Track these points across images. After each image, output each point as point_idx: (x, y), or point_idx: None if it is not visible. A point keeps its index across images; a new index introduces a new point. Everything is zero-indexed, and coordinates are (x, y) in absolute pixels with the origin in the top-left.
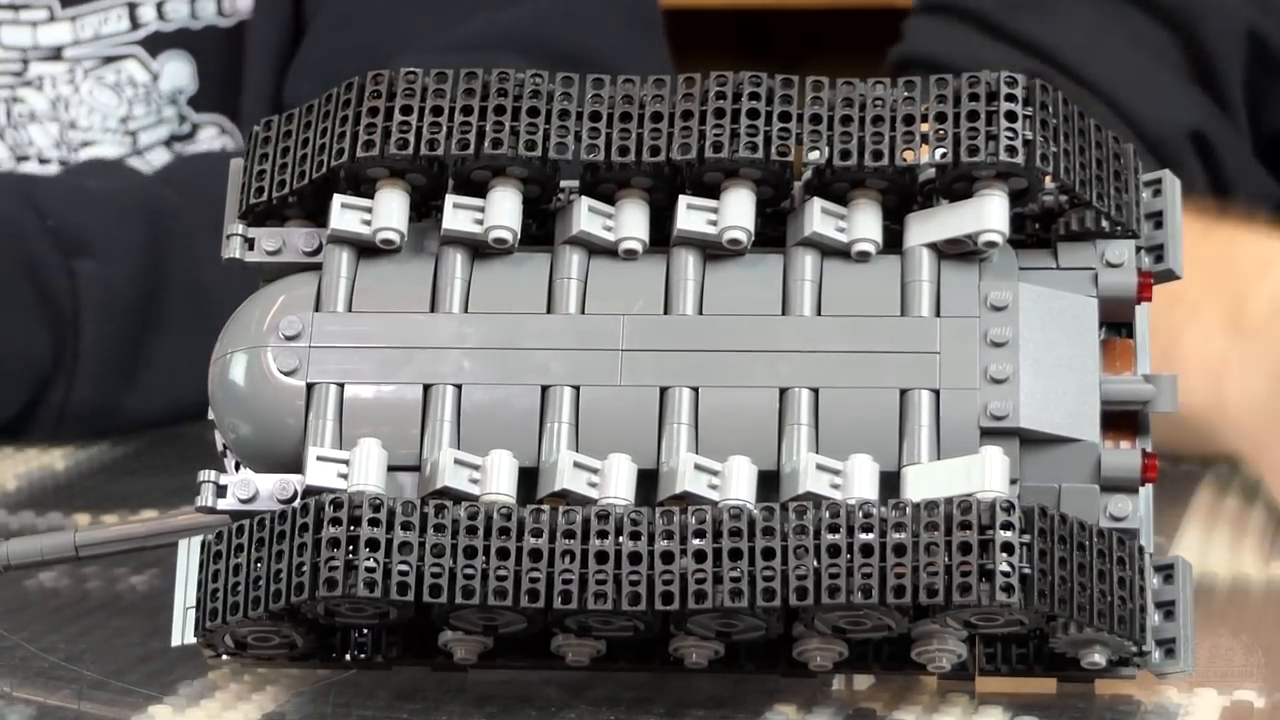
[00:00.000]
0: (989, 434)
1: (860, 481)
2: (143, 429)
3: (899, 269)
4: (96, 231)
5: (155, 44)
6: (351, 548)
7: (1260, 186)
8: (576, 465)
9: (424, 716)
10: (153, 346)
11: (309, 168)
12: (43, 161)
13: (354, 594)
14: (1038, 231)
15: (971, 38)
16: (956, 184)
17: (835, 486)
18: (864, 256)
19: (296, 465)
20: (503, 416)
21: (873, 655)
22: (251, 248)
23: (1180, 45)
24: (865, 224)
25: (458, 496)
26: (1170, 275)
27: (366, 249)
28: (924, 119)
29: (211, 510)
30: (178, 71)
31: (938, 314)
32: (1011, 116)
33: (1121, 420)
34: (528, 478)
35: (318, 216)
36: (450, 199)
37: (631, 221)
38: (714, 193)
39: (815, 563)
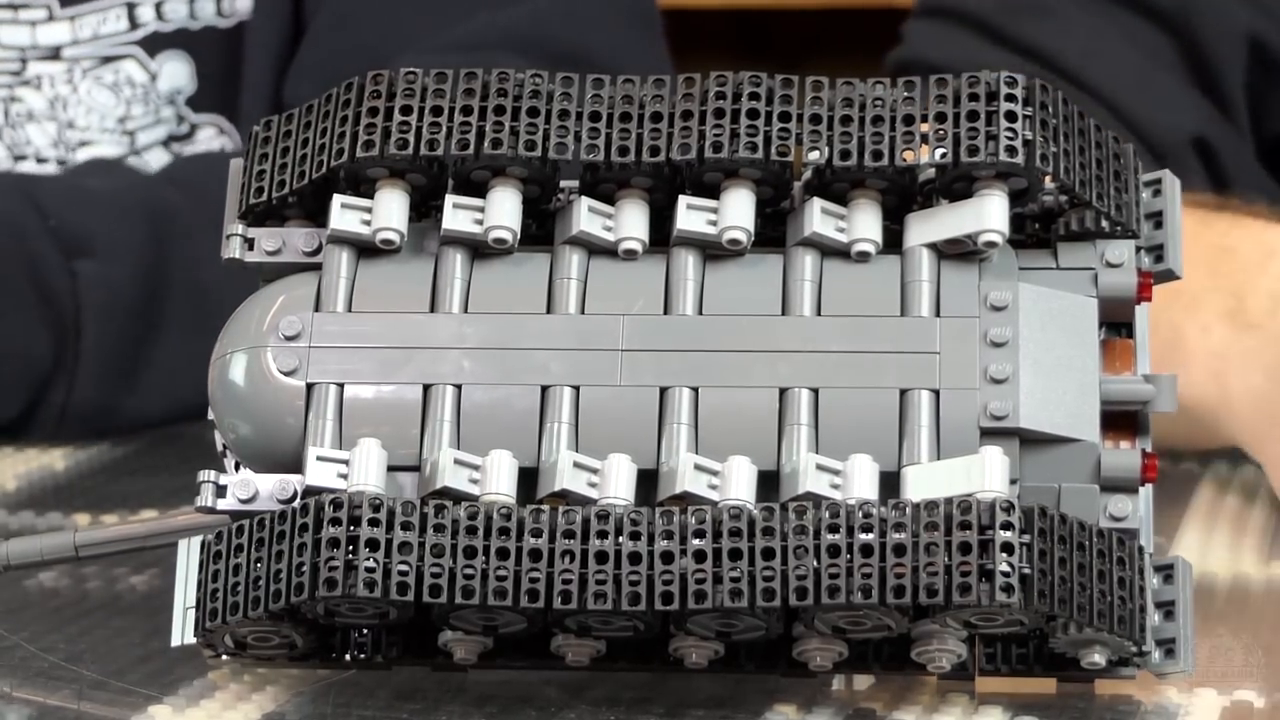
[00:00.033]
0: (989, 434)
1: (860, 481)
2: (143, 429)
3: (899, 269)
4: (98, 231)
5: (153, 44)
6: (351, 548)
7: (1263, 190)
8: (576, 465)
9: (424, 716)
10: (153, 347)
11: (309, 168)
12: (40, 161)
13: (354, 594)
14: (1038, 231)
15: (971, 42)
16: (956, 184)
17: (835, 486)
18: (864, 256)
19: (296, 465)
20: (503, 416)
21: (873, 655)
22: (251, 248)
23: (1180, 50)
24: (865, 224)
25: (458, 496)
26: (1170, 275)
27: (366, 249)
28: (924, 119)
29: (211, 510)
30: (176, 72)
31: (938, 314)
32: (1011, 116)
33: (1121, 420)
34: (528, 478)
35: (318, 216)
36: (450, 199)
37: (631, 221)
38: (714, 193)
39: (815, 563)
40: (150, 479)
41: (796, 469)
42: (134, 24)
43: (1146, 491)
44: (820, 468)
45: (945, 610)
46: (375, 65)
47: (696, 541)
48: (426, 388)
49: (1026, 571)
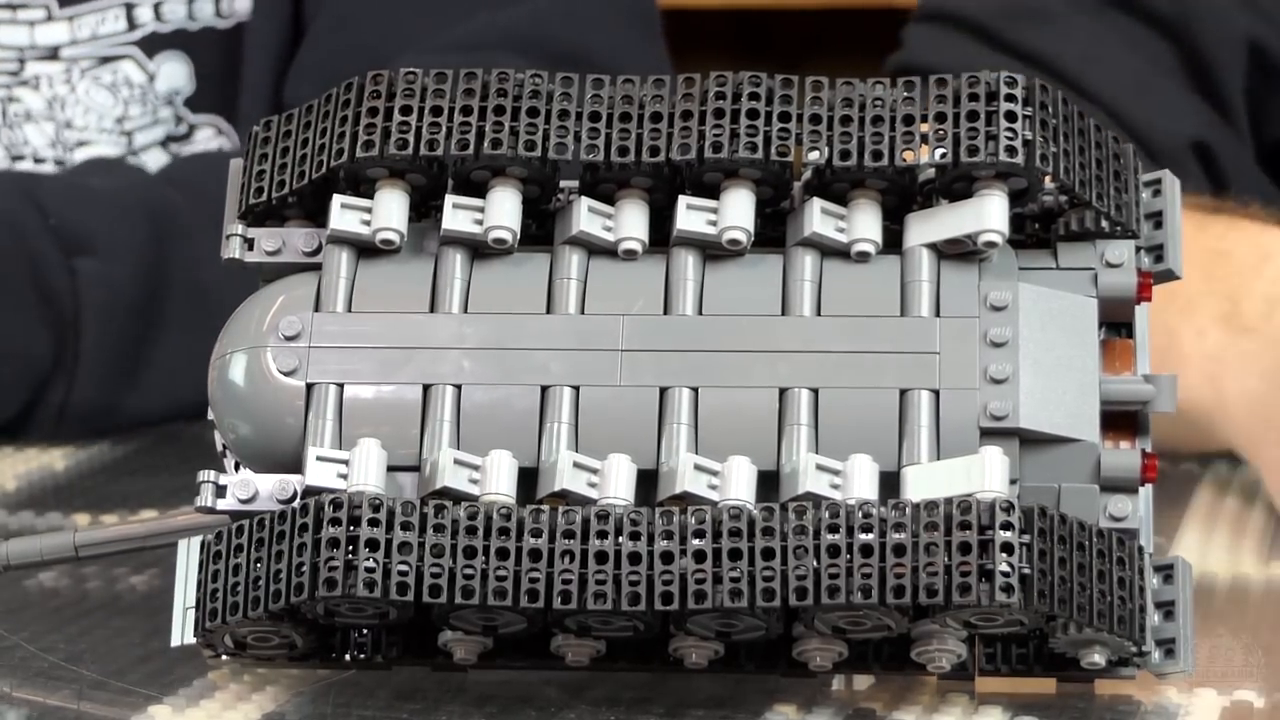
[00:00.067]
0: (989, 434)
1: (860, 482)
2: (143, 428)
3: (899, 269)
4: (98, 230)
5: (151, 45)
6: (351, 548)
7: (1264, 195)
8: (576, 465)
9: (424, 716)
10: (153, 346)
11: (309, 168)
12: (38, 161)
13: (354, 594)
14: (1037, 231)
15: (970, 47)
16: (956, 184)
17: (835, 487)
18: (864, 257)
19: (296, 465)
20: (502, 416)
21: (872, 655)
22: (251, 248)
23: (1180, 54)
24: (865, 224)
25: (457, 497)
26: (1170, 275)
27: (366, 249)
28: (924, 119)
29: (211, 510)
30: (174, 72)
31: (937, 314)
32: (1011, 116)
33: (1121, 420)
34: (527, 478)
35: (317, 216)
36: (450, 199)
37: (631, 222)
38: (714, 193)
39: (815, 563)
40: (150, 479)
41: (796, 469)
42: (132, 24)
43: (1146, 492)
44: (820, 468)
45: (945, 610)
46: (375, 66)
47: (696, 541)
48: (426, 388)
49: (1026, 571)
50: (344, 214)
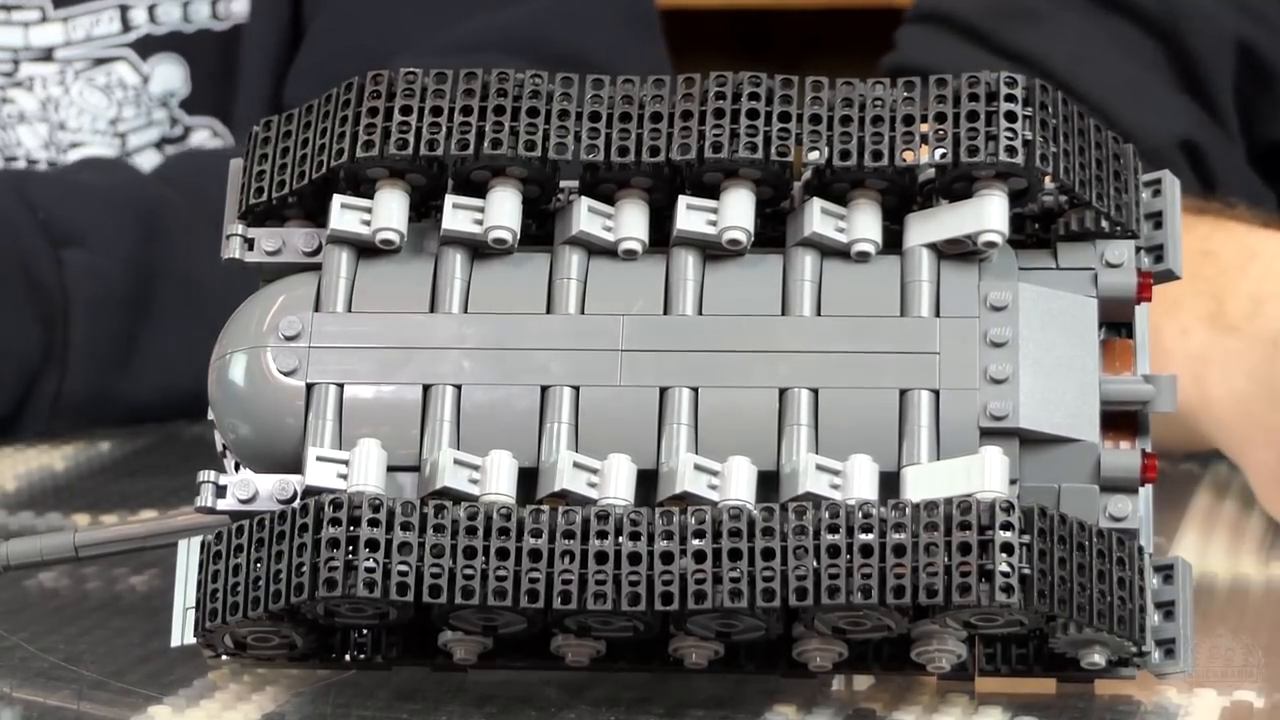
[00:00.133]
0: (989, 434)
1: (860, 482)
2: (139, 418)
3: (899, 269)
4: (87, 223)
5: (146, 47)
6: (351, 548)
7: (1253, 195)
8: (576, 465)
9: (424, 717)
10: (145, 335)
11: (309, 168)
12: (31, 163)
13: (353, 594)
14: (1037, 232)
15: (961, 48)
16: (956, 184)
17: (835, 487)
18: (864, 257)
19: (296, 465)
20: (502, 417)
21: (872, 656)
22: (251, 248)
23: (1168, 54)
24: (865, 224)
25: (457, 497)
26: (1170, 275)
27: (366, 249)
28: (924, 119)
29: (211, 510)
30: (169, 74)
31: (937, 314)
32: (1011, 117)
33: (1121, 420)
34: (527, 478)
35: (317, 217)
36: (450, 199)
37: (631, 222)
38: (714, 193)
39: (815, 563)
40: (150, 479)
41: (796, 469)
42: (126, 26)
43: (1146, 492)
44: (820, 468)
45: (945, 610)
46: (374, 67)
47: (696, 542)
48: (426, 388)
49: (1026, 572)
50: (344, 214)
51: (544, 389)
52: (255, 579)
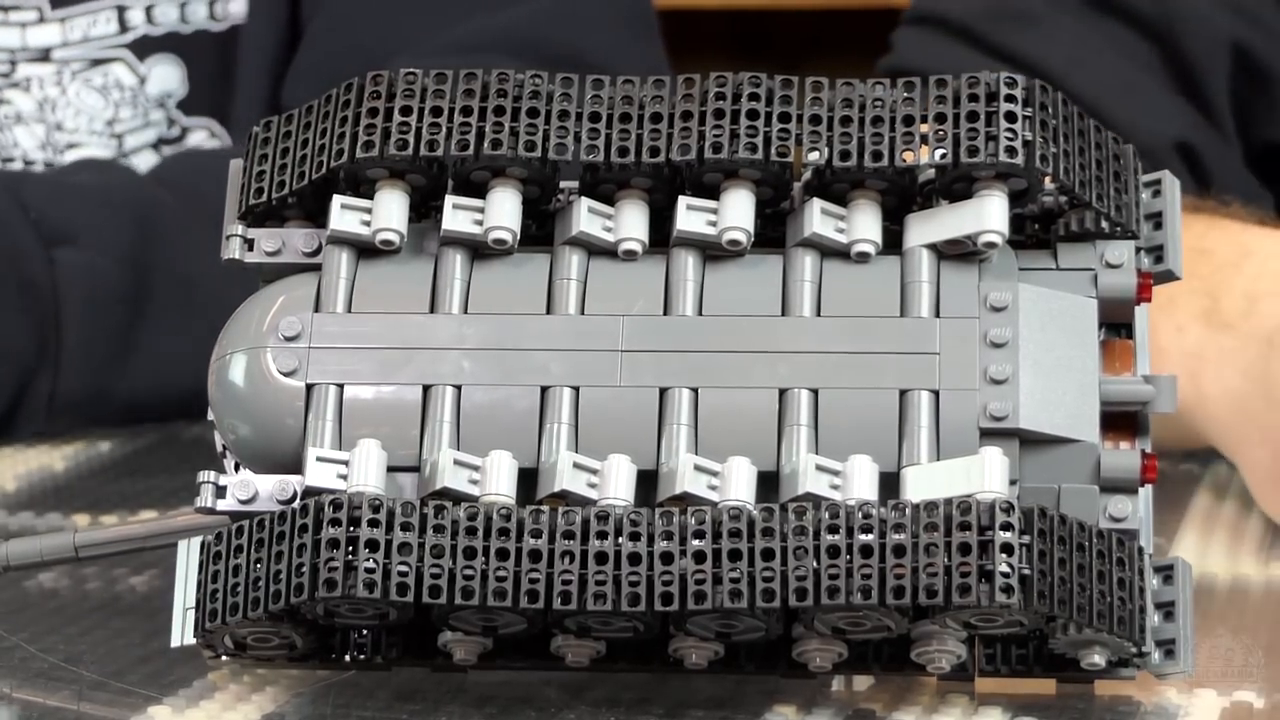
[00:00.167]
0: (988, 435)
1: (860, 482)
2: (136, 416)
3: (899, 270)
4: (80, 222)
5: (143, 47)
6: (351, 548)
7: (1249, 196)
8: (576, 466)
9: (423, 717)
10: (140, 332)
11: (308, 168)
12: (28, 163)
13: (353, 595)
14: (1037, 232)
15: (957, 50)
16: (956, 185)
17: (835, 487)
18: (863, 257)
19: (296, 466)
20: (502, 417)
21: (872, 656)
22: (251, 248)
23: (1163, 56)
24: (865, 225)
25: (457, 497)
26: (1170, 276)
27: (366, 249)
28: (923, 119)
29: (211, 511)
30: (166, 75)
31: (937, 315)
32: (1011, 117)
33: (1121, 421)
34: (527, 478)
35: (317, 217)
36: (450, 200)
37: (631, 222)
38: (714, 193)
39: (815, 563)
40: (150, 479)
41: (796, 470)
42: (124, 27)
43: (1146, 492)
44: (820, 468)
45: (945, 611)
46: (372, 67)
47: (696, 542)
48: (426, 388)
49: (1026, 572)
50: (344, 214)
51: (544, 389)
52: (255, 579)
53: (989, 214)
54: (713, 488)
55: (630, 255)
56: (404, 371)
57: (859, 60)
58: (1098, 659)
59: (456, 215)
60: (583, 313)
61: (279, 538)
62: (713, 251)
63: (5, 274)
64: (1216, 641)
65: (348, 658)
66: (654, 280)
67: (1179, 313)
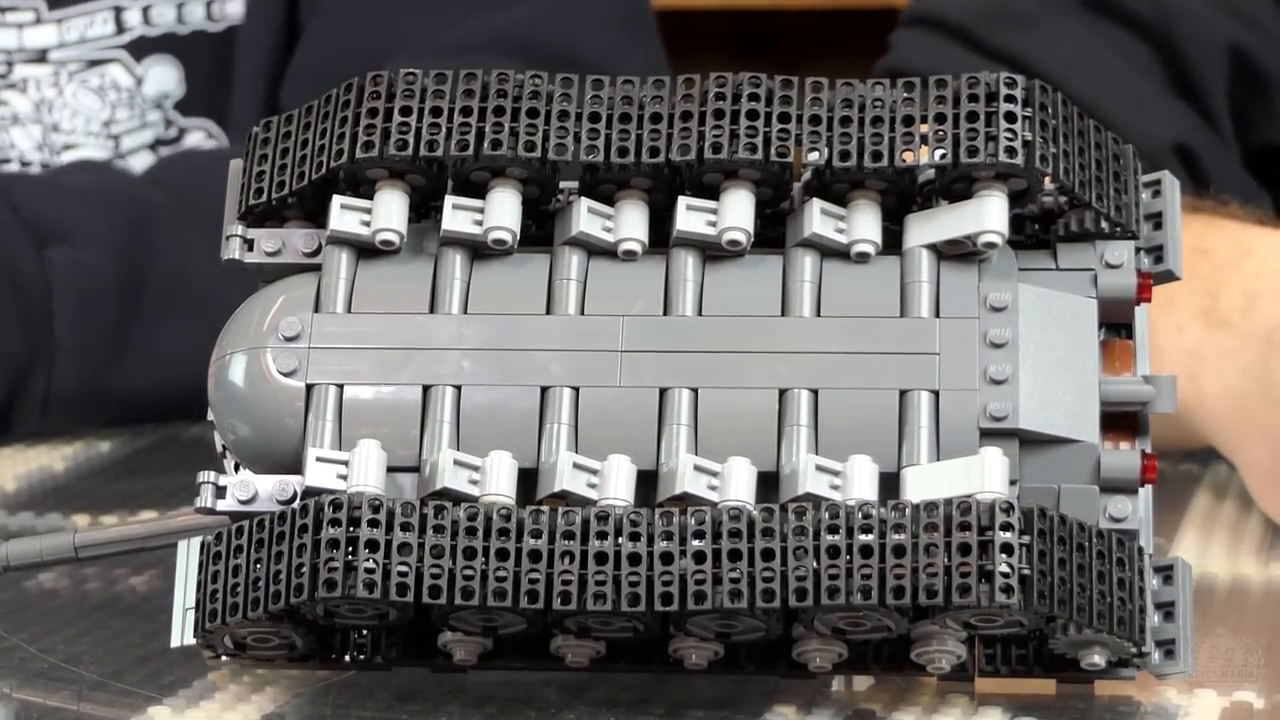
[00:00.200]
0: (988, 435)
1: (859, 482)
2: (132, 414)
3: (898, 270)
4: (71, 222)
5: (140, 48)
6: (351, 549)
7: (1250, 199)
8: (576, 466)
9: (423, 717)
10: (135, 328)
11: (308, 169)
12: (24, 165)
13: (353, 595)
14: (1037, 232)
15: (955, 52)
16: (956, 185)
17: (835, 487)
18: (863, 257)
19: (296, 466)
20: (502, 417)
21: (872, 656)
22: (251, 249)
23: (1161, 59)
24: (864, 225)
25: (457, 497)
26: (1170, 276)
27: (366, 250)
28: (923, 120)
29: (211, 511)
30: (163, 76)
31: (937, 315)
32: (1011, 117)
33: (1121, 421)
34: (527, 479)
35: (317, 217)
36: (449, 200)
37: (631, 222)
38: (713, 194)
39: (815, 564)
40: (150, 480)
41: (796, 470)
42: (120, 28)
43: (1146, 492)
44: (820, 469)
45: (945, 611)
46: (370, 68)
47: (696, 542)
48: (426, 388)
49: (1026, 572)
50: (344, 215)
51: (544, 390)
52: (255, 580)
53: (989, 214)
54: (713, 488)
55: (630, 255)
56: (404, 372)
57: (858, 60)
58: (1098, 659)
59: (456, 215)
60: (583, 313)
61: (279, 538)
62: (712, 252)
63: None
64: (1216, 641)
65: (348, 658)
66: (654, 280)
67: (1178, 312)
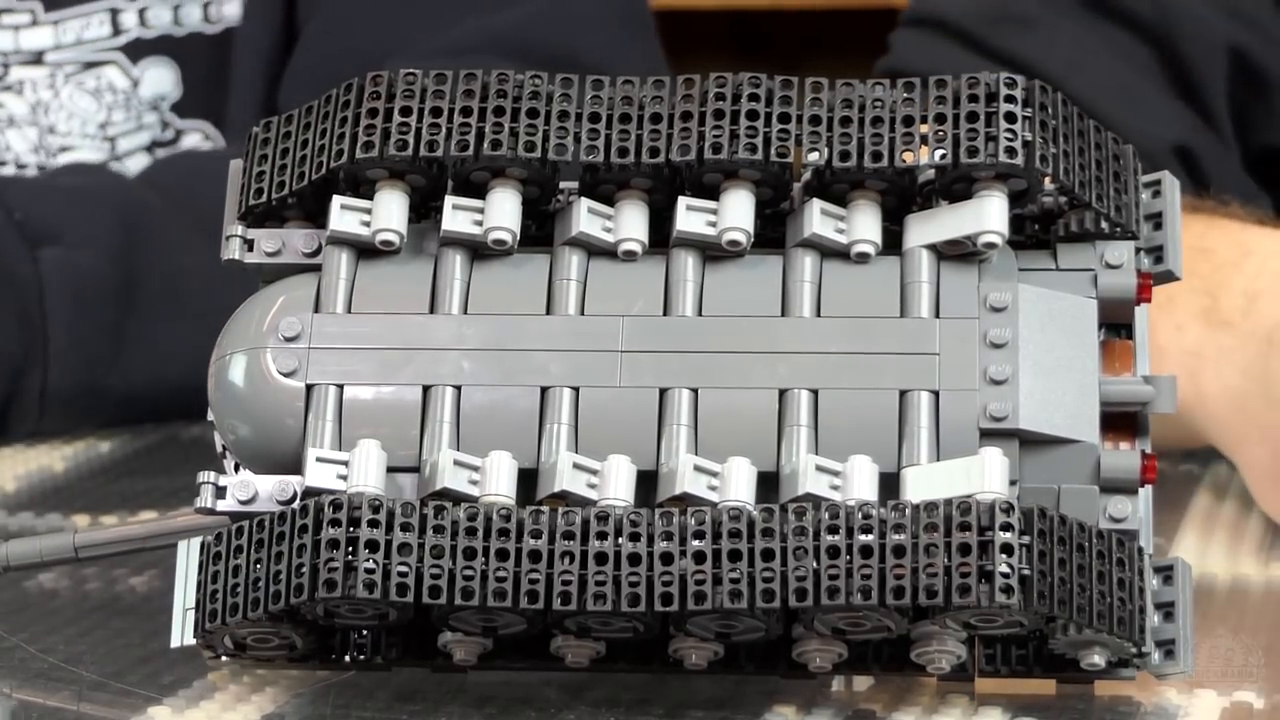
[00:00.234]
0: (988, 435)
1: (859, 483)
2: (130, 412)
3: (898, 270)
4: (64, 223)
5: (136, 50)
6: (351, 549)
7: (1249, 200)
8: (576, 466)
9: (423, 718)
10: (130, 326)
11: (308, 169)
12: (20, 167)
13: (353, 595)
14: (1037, 233)
15: (955, 53)
16: (956, 185)
17: (835, 488)
18: (863, 258)
19: (296, 466)
20: (502, 418)
21: (872, 656)
22: (251, 249)
23: (1161, 60)
24: (864, 225)
25: (457, 498)
26: (1170, 276)
27: (366, 250)
28: (923, 120)
29: (211, 511)
30: (160, 78)
31: (937, 315)
32: (1011, 118)
33: (1121, 421)
34: (527, 479)
35: (317, 218)
36: (449, 200)
37: (631, 223)
38: (713, 194)
39: (814, 564)
40: (150, 480)
41: (796, 470)
42: (116, 30)
43: (1146, 493)
44: (820, 469)
45: (945, 611)
46: (369, 69)
47: (696, 543)
48: (426, 389)
49: (1026, 572)
50: (344, 215)
51: (544, 390)
52: (255, 580)
53: (989, 214)
54: (712, 488)
55: (630, 256)
56: (404, 372)
57: (858, 60)
58: (1097, 659)
59: (456, 216)
60: (582, 313)
61: (279, 538)
62: (712, 252)
63: None
64: (1216, 641)
65: (348, 658)
66: (654, 281)
67: (1178, 311)
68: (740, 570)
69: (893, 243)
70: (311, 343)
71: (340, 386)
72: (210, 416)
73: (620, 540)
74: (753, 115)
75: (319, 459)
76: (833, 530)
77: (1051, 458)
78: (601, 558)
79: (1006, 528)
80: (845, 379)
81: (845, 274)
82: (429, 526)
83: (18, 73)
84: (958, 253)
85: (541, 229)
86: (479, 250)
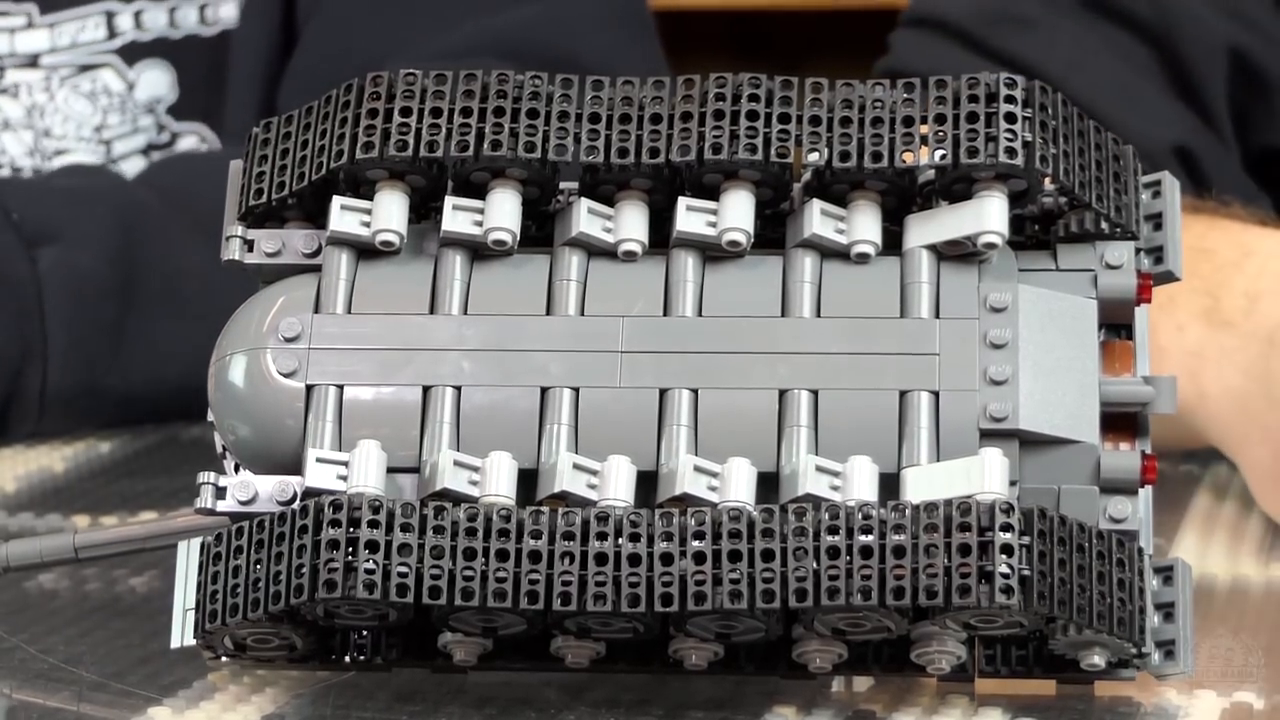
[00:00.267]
0: (988, 435)
1: (859, 483)
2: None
3: (898, 271)
4: (61, 223)
5: (131, 53)
6: (351, 549)
7: (1250, 200)
8: (576, 467)
9: (423, 718)
10: (129, 325)
11: (308, 169)
12: (15, 170)
13: (353, 596)
14: (1037, 233)
15: (955, 53)
16: (956, 185)
17: (835, 488)
18: (863, 258)
19: (296, 467)
20: (502, 418)
21: (872, 657)
22: (251, 249)
23: (1161, 61)
24: (864, 225)
25: (457, 498)
26: (1170, 277)
27: (366, 250)
28: (923, 120)
29: (211, 512)
30: (155, 81)
31: (937, 315)
32: (1011, 118)
33: (1121, 422)
34: (527, 479)
35: (317, 218)
36: (449, 201)
37: (631, 223)
38: (713, 194)
39: (814, 564)
40: (150, 480)
41: (796, 470)
42: (112, 33)
43: (1146, 493)
44: (820, 469)
45: (945, 612)
46: (367, 71)
47: (696, 543)
48: (426, 389)
49: (1026, 573)
50: (344, 215)
51: (544, 390)
52: (255, 580)
53: (989, 215)
54: (712, 489)
55: (630, 256)
56: (404, 372)
57: (858, 61)
58: (1097, 660)
59: (456, 216)
60: (583, 314)
61: (279, 539)
62: (712, 252)
63: None
64: (1216, 642)
65: (348, 659)
66: (654, 281)
67: (1179, 311)
68: (740, 571)
69: (893, 243)
70: (311, 343)
71: (340, 387)
72: (210, 417)
73: (620, 541)
74: (753, 115)
75: (319, 459)
76: (833, 531)
77: (1051, 458)
78: (601, 558)
79: (1006, 528)
80: (845, 379)
81: (845, 274)
82: (429, 527)
83: (13, 76)
84: (958, 253)
85: (541, 229)
86: (479, 251)
